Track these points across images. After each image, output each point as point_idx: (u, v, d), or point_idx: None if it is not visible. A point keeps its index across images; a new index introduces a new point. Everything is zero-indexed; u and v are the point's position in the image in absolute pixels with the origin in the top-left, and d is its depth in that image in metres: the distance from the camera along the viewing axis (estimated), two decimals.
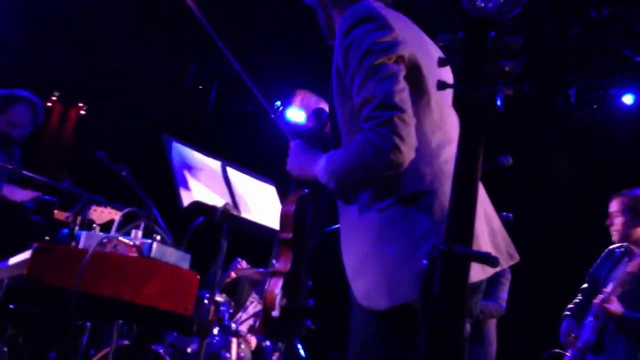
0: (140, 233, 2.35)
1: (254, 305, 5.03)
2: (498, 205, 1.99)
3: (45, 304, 2.27)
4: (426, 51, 1.91)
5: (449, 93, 1.38)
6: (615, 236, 3.89)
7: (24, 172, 3.96)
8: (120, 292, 2.17)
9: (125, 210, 2.55)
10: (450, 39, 1.36)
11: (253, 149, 7.00)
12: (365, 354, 1.83)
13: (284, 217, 2.16)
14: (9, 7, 6.56)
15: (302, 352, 5.11)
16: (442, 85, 1.37)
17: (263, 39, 6.68)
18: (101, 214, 3.86)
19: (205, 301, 3.50)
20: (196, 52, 7.27)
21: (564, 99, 6.78)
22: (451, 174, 1.34)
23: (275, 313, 1.98)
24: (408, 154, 1.73)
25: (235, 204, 2.84)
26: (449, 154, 1.82)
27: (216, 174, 2.92)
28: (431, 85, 1.85)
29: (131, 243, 2.27)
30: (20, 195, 3.86)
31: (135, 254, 2.26)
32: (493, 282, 4.15)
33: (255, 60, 6.46)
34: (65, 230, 3.73)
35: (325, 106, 2.28)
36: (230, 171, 3.00)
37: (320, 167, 1.91)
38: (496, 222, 1.94)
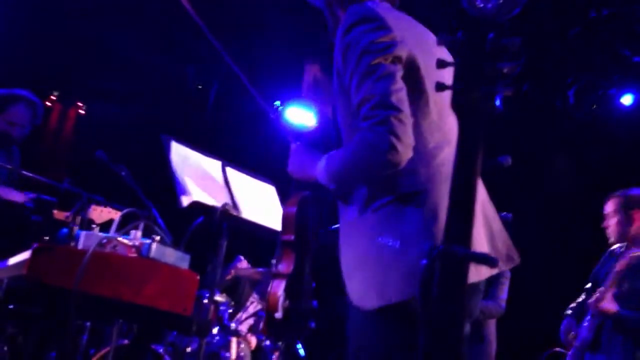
0: (139, 233, 2.36)
1: (254, 305, 5.03)
2: (497, 205, 1.99)
3: (45, 304, 2.28)
4: (428, 52, 1.91)
5: (449, 94, 1.38)
6: (611, 237, 3.91)
7: (24, 172, 3.96)
8: (119, 293, 2.18)
9: (125, 211, 2.55)
10: (449, 40, 1.36)
11: (253, 149, 7.00)
12: (360, 354, 1.83)
13: (285, 219, 2.16)
14: (8, 6, 6.56)
15: (301, 351, 5.11)
16: (440, 87, 1.38)
17: (263, 38, 6.68)
18: (100, 213, 3.86)
19: (205, 301, 3.50)
20: (196, 52, 7.27)
21: (563, 99, 6.78)
22: (448, 175, 1.35)
23: (278, 315, 1.99)
24: (405, 153, 1.73)
25: (234, 204, 2.84)
26: (447, 155, 1.82)
27: (216, 174, 2.92)
28: (430, 86, 1.85)
29: (130, 243, 2.28)
30: (16, 197, 3.85)
31: (134, 254, 2.27)
32: (492, 282, 4.15)
33: (255, 60, 6.47)
34: (65, 230, 3.72)
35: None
36: (230, 171, 3.00)
37: (320, 168, 1.92)
38: (496, 224, 1.94)
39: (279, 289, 2.03)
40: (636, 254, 3.73)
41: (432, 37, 2.02)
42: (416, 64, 1.84)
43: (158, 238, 2.30)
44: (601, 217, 4.02)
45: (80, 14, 6.64)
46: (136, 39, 7.00)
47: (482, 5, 1.33)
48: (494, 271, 1.85)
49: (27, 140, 4.27)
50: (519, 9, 1.34)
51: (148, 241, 2.28)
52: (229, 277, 5.30)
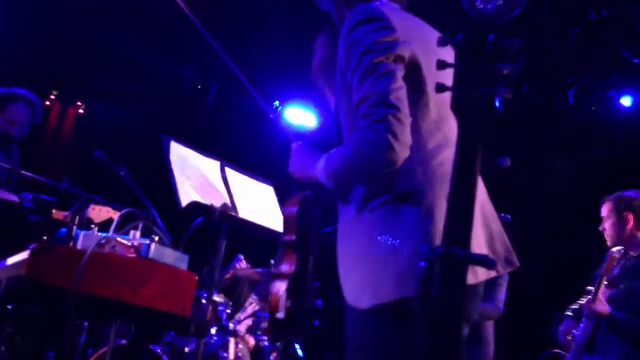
0: (138, 233, 2.35)
1: (252, 306, 5.03)
2: (496, 206, 1.99)
3: (44, 304, 2.28)
4: (432, 53, 1.91)
5: (450, 95, 1.38)
6: (608, 240, 3.91)
7: (22, 171, 3.95)
8: (118, 293, 2.17)
9: (124, 211, 2.55)
10: (449, 41, 1.36)
11: (251, 149, 7.00)
12: (357, 354, 1.83)
13: (286, 219, 2.16)
14: (8, 6, 6.55)
15: (300, 352, 5.11)
16: (440, 88, 1.38)
17: (263, 38, 6.68)
18: (99, 212, 3.85)
19: (203, 301, 3.49)
20: (195, 52, 7.27)
21: (563, 100, 6.78)
22: (446, 175, 1.35)
23: (280, 315, 1.99)
24: (402, 152, 1.73)
25: (233, 204, 2.84)
26: (446, 155, 1.82)
27: (214, 174, 2.92)
28: (432, 86, 1.85)
29: (129, 244, 2.27)
30: (11, 198, 3.84)
31: (133, 255, 2.26)
32: (490, 284, 4.15)
33: (254, 60, 6.47)
34: (64, 230, 3.72)
35: None
36: (229, 171, 2.99)
37: (320, 167, 1.92)
38: (496, 226, 1.93)
39: (280, 289, 2.03)
40: (614, 255, 3.74)
41: None
42: (418, 65, 1.84)
43: (157, 238, 2.30)
44: (600, 218, 4.02)
45: (80, 14, 6.64)
46: (136, 39, 7.00)
47: (482, 6, 1.33)
48: (492, 273, 1.85)
49: (26, 140, 4.26)
50: (519, 9, 1.34)
51: (147, 241, 2.28)
52: (227, 276, 5.30)
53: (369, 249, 1.80)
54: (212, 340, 4.56)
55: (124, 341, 4.24)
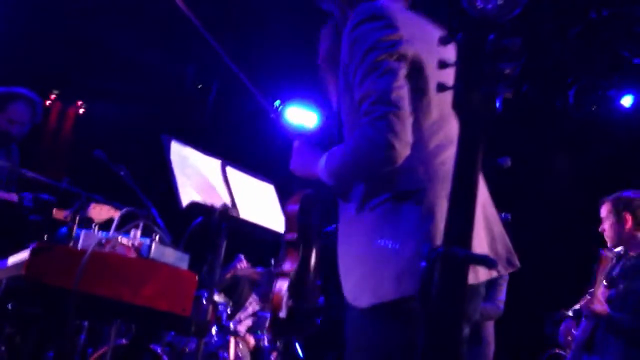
0: (139, 233, 2.35)
1: (253, 306, 5.03)
2: (496, 205, 1.99)
3: (44, 304, 2.28)
4: (436, 52, 1.90)
5: (452, 94, 1.38)
6: (608, 241, 3.92)
7: (23, 171, 3.95)
8: (118, 293, 2.17)
9: (124, 210, 2.54)
10: (450, 40, 1.36)
11: (252, 148, 6.99)
12: (357, 353, 1.83)
13: (288, 218, 2.16)
14: (8, 6, 6.55)
15: (300, 352, 5.11)
16: (441, 88, 1.38)
17: (263, 37, 6.68)
18: (100, 211, 3.85)
19: (204, 301, 3.50)
20: (196, 52, 7.27)
21: (563, 100, 6.78)
22: (448, 175, 1.34)
23: (282, 314, 2.00)
24: (402, 150, 1.73)
25: (234, 204, 2.83)
26: (448, 155, 1.81)
27: (215, 174, 2.92)
28: (434, 85, 1.84)
29: (130, 243, 2.27)
30: (10, 198, 3.84)
31: (133, 255, 2.26)
32: (490, 284, 4.15)
33: (255, 60, 6.47)
34: (64, 229, 3.72)
35: None
36: (230, 171, 2.99)
37: (321, 164, 1.92)
38: (497, 227, 1.93)
39: (282, 288, 2.03)
40: (607, 255, 3.75)
41: None
42: (421, 64, 1.84)
43: (157, 238, 2.30)
44: (600, 218, 4.02)
45: (80, 13, 6.64)
46: (136, 39, 7.00)
47: (482, 5, 1.33)
48: (493, 274, 1.85)
49: (27, 139, 4.26)
50: (519, 9, 1.34)
51: (147, 241, 2.28)
52: (228, 276, 5.30)
53: (370, 247, 1.79)
54: (213, 340, 4.56)
55: (124, 341, 4.24)
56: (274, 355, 4.91)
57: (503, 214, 3.35)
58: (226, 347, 4.55)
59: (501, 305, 4.24)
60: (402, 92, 1.76)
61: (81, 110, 8.36)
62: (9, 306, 2.57)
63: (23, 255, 2.19)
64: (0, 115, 4.05)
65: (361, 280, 1.80)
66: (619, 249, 3.91)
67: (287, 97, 6.80)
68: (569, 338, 3.92)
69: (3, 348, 3.37)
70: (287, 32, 6.47)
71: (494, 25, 1.32)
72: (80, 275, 2.06)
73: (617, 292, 3.68)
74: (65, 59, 7.23)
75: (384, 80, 1.75)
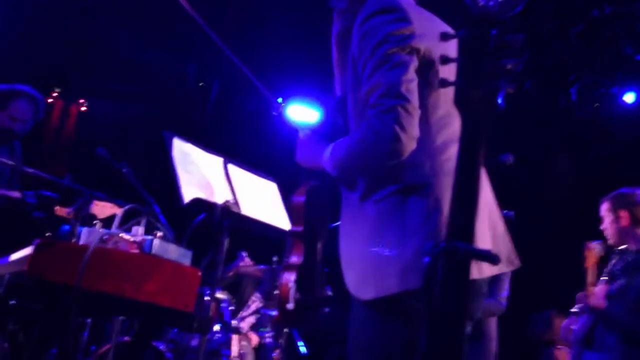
0: (141, 229, 2.35)
1: (255, 303, 5.04)
2: (498, 202, 1.99)
3: (47, 300, 2.28)
4: (443, 48, 1.90)
5: None
6: (609, 239, 3.93)
7: (25, 168, 3.95)
8: (121, 289, 2.17)
9: (127, 207, 2.55)
10: (453, 36, 1.36)
11: (254, 146, 7.00)
12: (357, 352, 1.83)
13: (294, 210, 2.15)
14: (8, 6, 6.55)
15: (303, 348, 5.11)
16: (443, 83, 1.38)
17: (265, 35, 6.68)
18: (103, 208, 3.85)
19: (206, 298, 3.50)
20: (197, 50, 7.27)
21: (565, 98, 6.77)
22: (451, 171, 1.34)
23: (290, 305, 2.00)
24: (408, 144, 1.72)
25: (236, 201, 2.84)
26: (453, 151, 1.81)
27: (217, 171, 2.92)
28: None
29: (132, 239, 2.27)
30: (13, 195, 3.85)
31: (136, 251, 2.26)
32: (493, 280, 4.15)
33: (257, 57, 6.47)
34: (67, 227, 3.73)
35: None
36: (232, 168, 2.99)
37: (326, 155, 1.91)
38: (500, 227, 1.93)
39: (289, 280, 2.03)
40: (592, 246, 3.78)
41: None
42: (432, 59, 1.83)
43: (160, 234, 2.30)
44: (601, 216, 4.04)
45: (82, 12, 6.64)
46: (138, 37, 7.00)
47: (484, 2, 1.33)
48: (495, 270, 1.85)
49: (29, 137, 4.26)
50: (521, 6, 1.34)
51: (150, 237, 2.28)
52: (231, 274, 5.31)
53: (374, 240, 1.79)
54: (215, 337, 4.57)
55: (127, 338, 4.25)
56: (276, 352, 4.92)
57: (505, 211, 3.35)
58: (229, 344, 4.56)
59: (504, 301, 4.24)
60: (412, 85, 1.75)
61: (83, 108, 8.36)
62: (12, 302, 2.57)
63: (26, 251, 2.20)
64: (3, 112, 4.06)
65: (365, 273, 1.80)
66: (622, 247, 3.92)
67: (289, 95, 6.80)
68: (568, 334, 3.94)
69: (6, 345, 3.37)
70: (289, 30, 6.47)
71: (495, 22, 1.32)
72: (82, 272, 2.06)
73: (617, 288, 3.69)
74: (66, 59, 7.24)
75: (393, 73, 1.74)
